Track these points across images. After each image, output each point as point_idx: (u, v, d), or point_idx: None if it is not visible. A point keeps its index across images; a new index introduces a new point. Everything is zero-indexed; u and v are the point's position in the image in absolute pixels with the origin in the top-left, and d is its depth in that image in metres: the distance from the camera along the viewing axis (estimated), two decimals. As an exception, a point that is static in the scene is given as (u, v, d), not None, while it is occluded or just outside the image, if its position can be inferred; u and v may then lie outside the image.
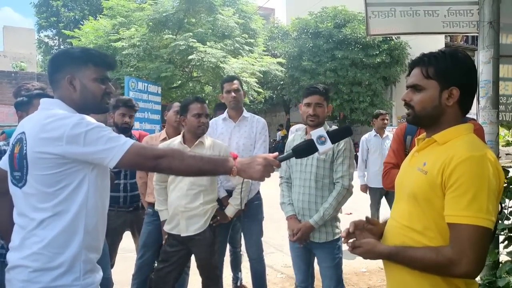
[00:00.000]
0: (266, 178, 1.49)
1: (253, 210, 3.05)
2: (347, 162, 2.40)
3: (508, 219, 2.33)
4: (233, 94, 3.08)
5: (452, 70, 1.29)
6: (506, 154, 2.91)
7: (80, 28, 14.36)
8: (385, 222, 1.47)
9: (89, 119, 1.41)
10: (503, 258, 2.35)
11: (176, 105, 3.09)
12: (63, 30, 16.99)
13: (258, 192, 3.16)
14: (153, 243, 2.89)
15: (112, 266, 3.04)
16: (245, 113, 3.19)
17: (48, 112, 1.40)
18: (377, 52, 16.50)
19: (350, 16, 17.07)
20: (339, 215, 3.35)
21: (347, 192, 2.40)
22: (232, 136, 3.11)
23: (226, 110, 3.22)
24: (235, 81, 3.14)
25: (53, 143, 1.32)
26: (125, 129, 3.00)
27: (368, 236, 1.41)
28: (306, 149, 1.53)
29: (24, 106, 2.31)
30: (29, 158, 1.35)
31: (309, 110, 2.43)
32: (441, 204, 1.22)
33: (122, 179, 3.06)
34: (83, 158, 1.37)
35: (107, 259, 2.66)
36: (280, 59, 15.47)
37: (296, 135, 2.70)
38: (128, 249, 3.48)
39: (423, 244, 1.25)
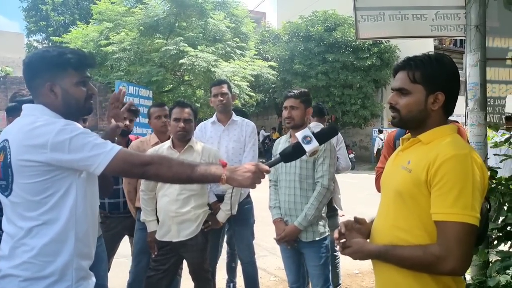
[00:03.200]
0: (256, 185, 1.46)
1: (243, 214, 3.02)
2: (327, 162, 2.48)
3: (497, 219, 2.36)
4: (220, 98, 3.06)
5: (438, 75, 1.31)
6: (494, 155, 2.96)
7: (69, 32, 14.27)
8: (372, 221, 1.49)
9: (75, 125, 1.38)
10: (493, 257, 2.38)
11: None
12: (51, 37, 16.87)
13: (249, 196, 3.14)
14: (149, 249, 2.86)
15: (108, 270, 3.02)
16: (234, 116, 3.17)
17: (31, 118, 1.36)
18: (368, 55, 16.65)
19: (341, 19, 17.21)
20: (339, 215, 3.41)
21: (327, 191, 2.47)
22: (221, 140, 3.08)
23: (215, 114, 3.21)
24: (223, 85, 3.12)
25: (37, 151, 1.29)
26: (124, 133, 2.98)
27: (357, 236, 1.43)
28: (293, 152, 1.53)
29: (16, 111, 2.28)
30: (14, 166, 1.31)
31: (285, 113, 2.54)
32: (426, 202, 1.24)
33: (121, 185, 3.02)
34: (69, 165, 1.33)
35: (105, 266, 2.64)
36: (271, 63, 15.54)
37: (281, 138, 2.76)
38: (121, 254, 3.44)
39: (410, 243, 1.26)
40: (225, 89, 3.10)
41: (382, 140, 16.63)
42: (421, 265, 1.22)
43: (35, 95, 1.44)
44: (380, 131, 17.07)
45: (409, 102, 1.33)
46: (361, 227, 1.48)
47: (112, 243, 2.91)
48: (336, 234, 1.43)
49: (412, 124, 1.37)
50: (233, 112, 3.21)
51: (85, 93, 1.46)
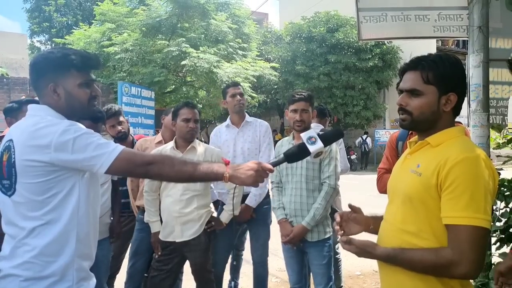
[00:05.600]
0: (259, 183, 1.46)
1: (262, 214, 3.05)
2: (333, 163, 2.52)
3: (500, 220, 2.35)
4: (238, 97, 3.09)
5: (451, 76, 1.29)
6: (497, 156, 2.95)
7: (72, 33, 14.33)
8: (372, 217, 1.50)
9: (78, 125, 1.39)
10: (495, 259, 2.37)
11: None
12: (54, 39, 16.93)
13: (268, 196, 3.13)
14: (145, 251, 2.86)
15: (118, 269, 3.04)
16: (248, 117, 3.18)
17: (35, 119, 1.37)
18: (370, 56, 16.64)
19: (343, 20, 17.21)
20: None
21: (334, 191, 2.52)
22: (236, 142, 3.10)
23: (229, 117, 3.22)
24: (239, 86, 3.18)
25: (41, 151, 1.30)
26: (122, 137, 2.99)
27: (354, 227, 1.47)
28: (297, 152, 1.52)
29: (14, 112, 2.29)
30: (18, 166, 1.32)
31: (296, 116, 2.53)
32: (436, 205, 1.22)
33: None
34: (72, 166, 1.34)
35: (105, 269, 2.66)
36: (273, 64, 15.53)
37: (283, 140, 2.76)
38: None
39: (418, 246, 1.25)
40: (241, 90, 3.16)
41: (363, 140, 17.30)
42: (433, 269, 1.21)
43: (40, 96, 1.45)
44: (366, 132, 17.55)
45: (422, 104, 1.30)
46: (356, 216, 1.49)
47: (121, 242, 2.96)
48: (337, 226, 1.45)
49: (423, 126, 1.34)
50: (246, 114, 3.21)
51: (88, 94, 1.46)
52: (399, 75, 1.39)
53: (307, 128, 2.52)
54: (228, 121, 3.21)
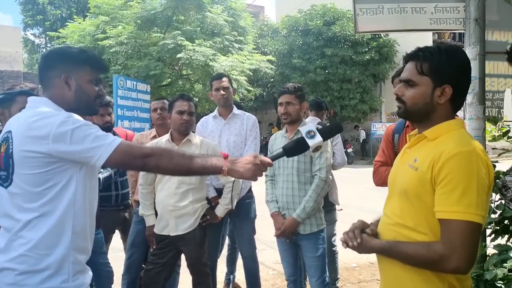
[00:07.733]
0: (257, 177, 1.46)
1: (244, 208, 3.03)
2: (324, 156, 2.52)
3: (495, 212, 2.36)
4: (222, 92, 3.06)
5: (447, 68, 1.27)
6: (493, 149, 2.96)
7: (66, 26, 14.18)
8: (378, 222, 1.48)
9: (76, 117, 1.39)
10: (490, 251, 2.39)
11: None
12: (48, 32, 16.78)
13: (250, 190, 3.14)
14: (142, 243, 2.86)
15: None
16: (235, 110, 3.16)
17: (34, 111, 1.38)
18: (366, 50, 16.62)
19: (339, 13, 17.16)
20: (337, 210, 3.44)
21: (325, 183, 2.52)
22: (222, 134, 3.08)
23: (216, 108, 3.21)
24: (224, 79, 3.12)
25: (40, 142, 1.30)
26: (108, 128, 2.97)
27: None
28: (296, 146, 1.53)
29: (6, 102, 2.25)
30: (15, 157, 1.33)
31: (281, 109, 2.58)
32: (431, 200, 1.22)
33: (113, 178, 3.02)
34: (70, 157, 1.34)
35: (105, 256, 2.68)
36: (270, 57, 15.48)
37: (277, 134, 2.77)
38: (117, 249, 3.45)
39: (415, 240, 1.25)
40: (226, 83, 3.09)
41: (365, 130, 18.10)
42: (424, 263, 1.21)
43: (46, 87, 1.47)
44: (356, 126, 18.38)
45: (415, 94, 1.30)
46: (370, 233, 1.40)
47: (104, 235, 2.91)
48: (347, 239, 1.37)
49: (416, 116, 1.34)
50: (234, 106, 3.20)
51: (96, 92, 1.51)
52: (404, 65, 1.39)
53: (294, 120, 2.55)
54: (215, 112, 3.19)
